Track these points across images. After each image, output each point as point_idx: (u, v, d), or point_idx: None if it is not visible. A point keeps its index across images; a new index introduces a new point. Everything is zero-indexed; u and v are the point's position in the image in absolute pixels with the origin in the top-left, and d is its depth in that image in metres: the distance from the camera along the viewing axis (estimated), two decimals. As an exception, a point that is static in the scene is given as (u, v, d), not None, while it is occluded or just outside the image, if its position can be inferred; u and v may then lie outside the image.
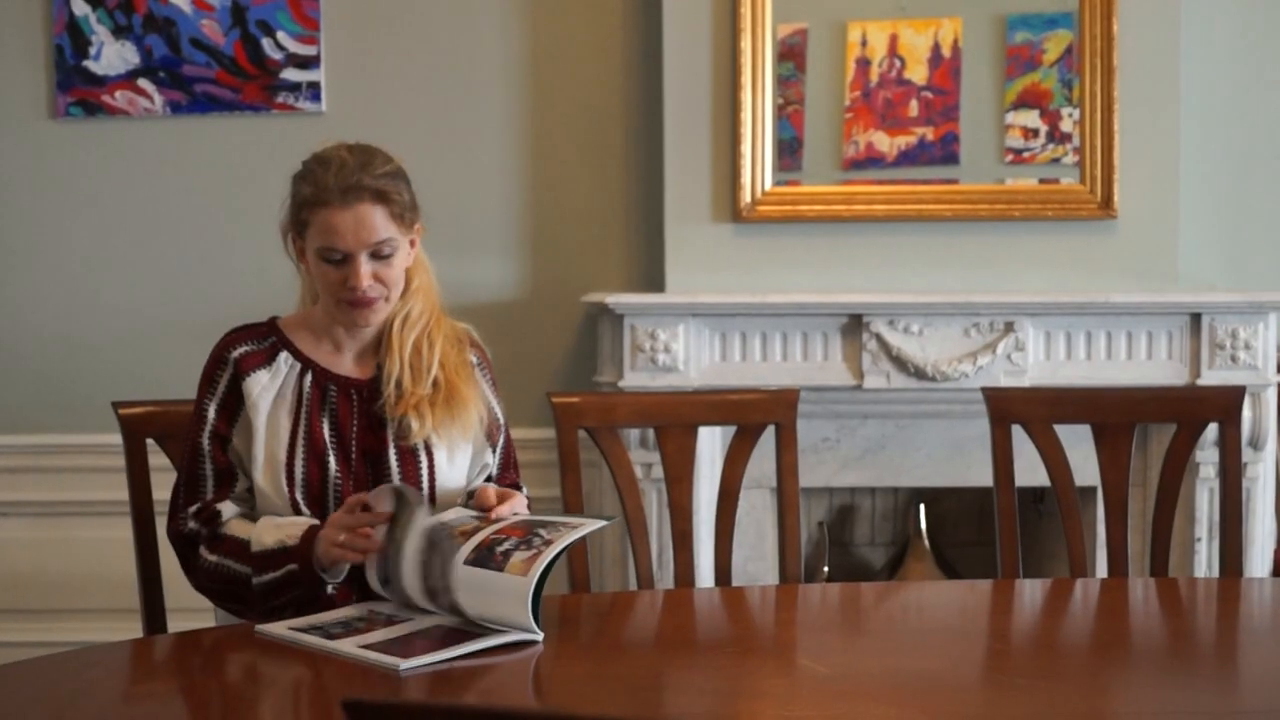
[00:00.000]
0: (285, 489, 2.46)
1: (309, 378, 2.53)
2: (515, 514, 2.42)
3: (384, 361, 2.54)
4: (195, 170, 4.30)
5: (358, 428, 2.52)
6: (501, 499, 2.44)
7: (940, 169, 4.14)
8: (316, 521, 2.43)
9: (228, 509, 2.48)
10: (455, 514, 2.45)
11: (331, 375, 2.54)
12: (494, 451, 2.64)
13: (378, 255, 2.47)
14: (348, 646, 2.17)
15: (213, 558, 2.45)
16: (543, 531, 2.29)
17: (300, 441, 2.49)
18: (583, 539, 2.35)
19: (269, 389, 2.51)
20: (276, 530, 2.41)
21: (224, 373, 2.52)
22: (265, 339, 2.55)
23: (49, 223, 4.31)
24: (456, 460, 2.57)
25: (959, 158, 4.14)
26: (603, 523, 2.39)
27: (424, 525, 2.31)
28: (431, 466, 2.53)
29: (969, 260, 4.10)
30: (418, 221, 2.54)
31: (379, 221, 2.45)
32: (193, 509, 2.49)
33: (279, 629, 2.28)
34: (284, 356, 2.54)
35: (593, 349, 4.26)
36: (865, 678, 2.16)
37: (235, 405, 2.51)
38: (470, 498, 2.52)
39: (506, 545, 2.27)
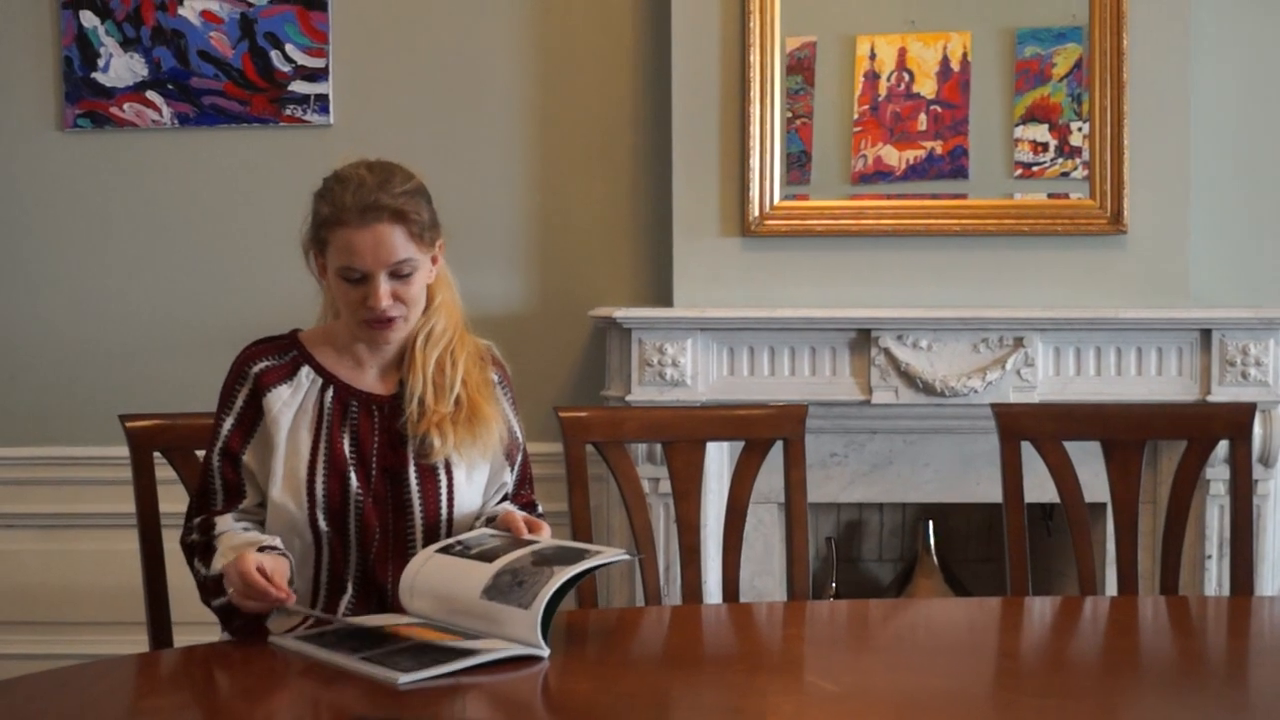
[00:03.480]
0: (306, 505, 2.46)
1: (330, 393, 2.52)
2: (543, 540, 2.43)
3: (406, 378, 2.53)
4: (203, 182, 4.30)
5: (378, 445, 2.51)
6: (530, 529, 2.45)
7: (949, 183, 4.13)
8: (269, 541, 2.41)
9: (223, 522, 2.47)
10: (475, 535, 2.45)
11: (353, 391, 2.53)
12: (511, 470, 2.64)
13: (397, 274, 2.46)
14: (349, 659, 2.16)
15: (201, 567, 2.45)
16: (564, 555, 2.29)
17: (321, 457, 2.48)
18: (600, 566, 2.34)
19: (290, 404, 2.50)
20: (230, 552, 2.39)
21: (243, 388, 2.51)
22: (287, 353, 2.55)
23: (57, 234, 4.31)
24: (475, 479, 2.56)
25: (968, 172, 4.13)
26: (626, 555, 2.38)
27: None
28: (450, 485, 2.52)
29: (978, 275, 4.09)
30: (439, 239, 2.53)
31: (398, 241, 2.44)
32: (197, 520, 2.50)
33: (288, 640, 2.27)
34: (305, 371, 2.53)
35: (600, 363, 4.25)
36: (873, 695, 2.15)
37: (253, 420, 2.50)
38: (489, 522, 2.52)
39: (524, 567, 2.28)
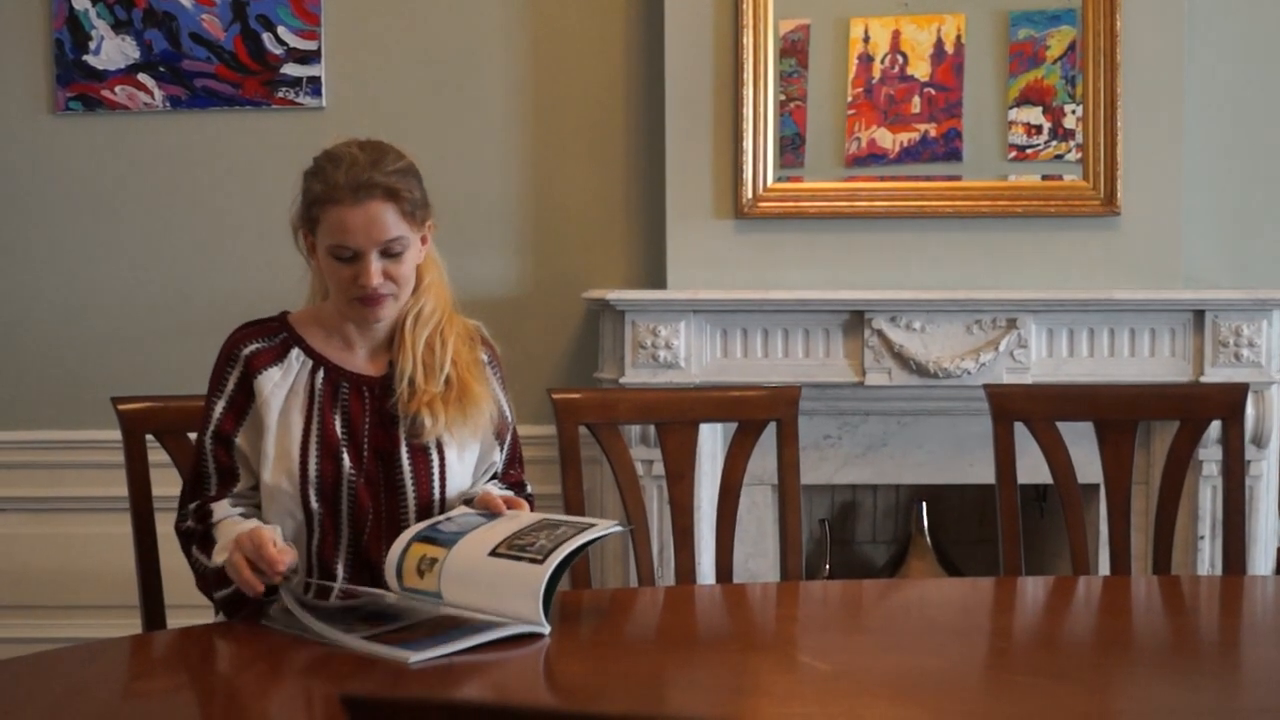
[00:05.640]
0: (299, 485, 2.45)
1: (321, 374, 2.52)
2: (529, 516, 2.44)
3: (396, 359, 2.53)
4: (195, 165, 4.29)
5: (369, 425, 2.51)
6: (510, 507, 2.45)
7: (943, 165, 4.13)
8: (268, 531, 2.41)
9: (220, 509, 2.47)
10: (459, 513, 2.46)
11: (344, 372, 2.53)
12: (501, 449, 2.64)
13: (388, 253, 2.46)
14: (355, 639, 2.16)
15: (202, 557, 2.44)
16: (560, 530, 2.30)
17: (313, 438, 2.48)
18: (597, 540, 2.35)
19: (281, 386, 2.50)
20: (230, 546, 2.39)
21: (233, 370, 2.51)
22: (276, 335, 2.54)
23: (48, 218, 4.30)
24: (466, 458, 2.57)
25: (962, 154, 4.12)
26: (618, 527, 2.39)
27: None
28: (443, 465, 2.52)
29: (971, 257, 4.09)
30: (429, 218, 2.54)
31: (390, 220, 2.44)
32: (192, 506, 2.49)
33: (291, 601, 2.27)
34: (295, 353, 2.53)
35: (594, 345, 4.25)
36: (866, 675, 2.15)
37: (244, 403, 2.50)
38: (469, 503, 2.51)
39: (526, 541, 2.28)
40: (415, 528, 2.41)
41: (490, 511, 2.43)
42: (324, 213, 2.45)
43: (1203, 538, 4.00)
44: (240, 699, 2.09)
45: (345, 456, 2.48)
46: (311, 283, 2.62)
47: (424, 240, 2.54)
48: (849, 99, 4.13)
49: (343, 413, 2.51)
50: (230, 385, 2.51)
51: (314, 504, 2.46)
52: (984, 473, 3.70)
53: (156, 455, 2.77)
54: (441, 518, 2.44)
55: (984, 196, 4.10)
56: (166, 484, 2.77)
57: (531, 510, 2.50)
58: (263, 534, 2.32)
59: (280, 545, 2.33)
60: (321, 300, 2.59)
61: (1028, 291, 3.98)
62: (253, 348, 2.52)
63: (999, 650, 2.36)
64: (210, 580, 2.42)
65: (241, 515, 2.47)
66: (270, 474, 2.47)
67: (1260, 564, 3.99)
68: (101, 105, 4.27)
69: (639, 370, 3.98)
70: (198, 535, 2.46)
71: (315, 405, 2.50)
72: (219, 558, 2.39)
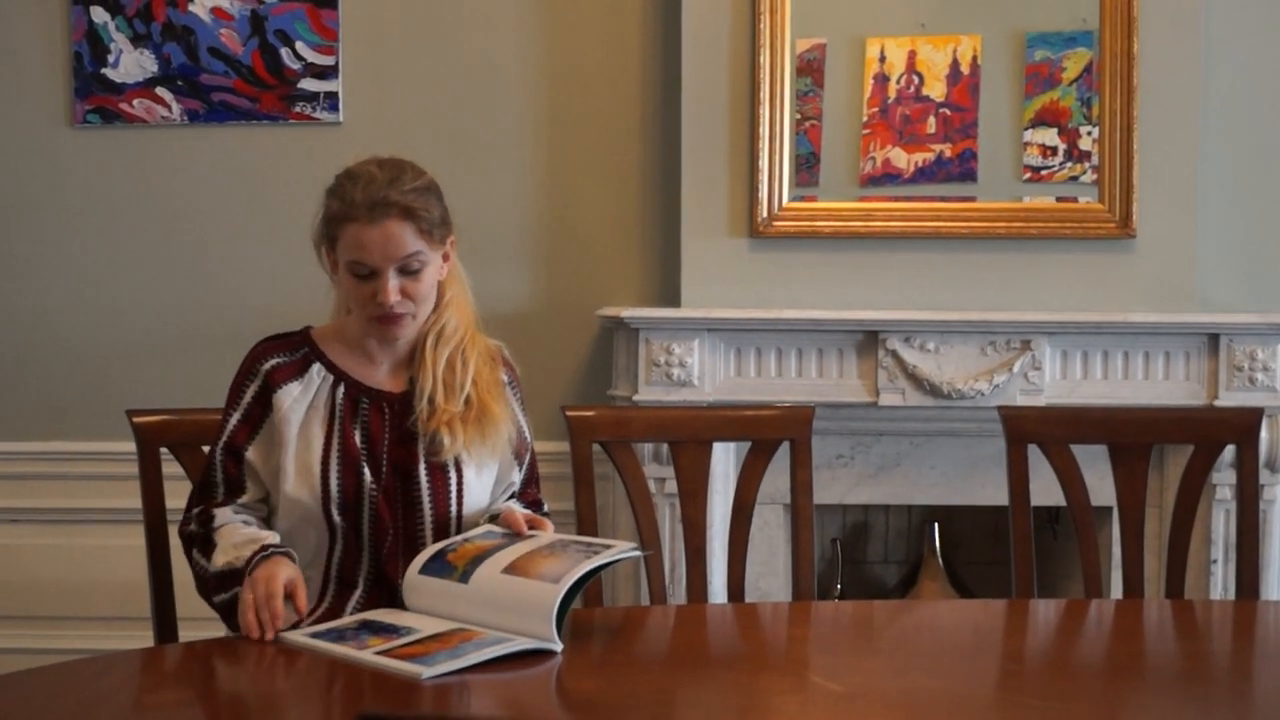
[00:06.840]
0: (320, 498, 2.47)
1: (341, 389, 2.53)
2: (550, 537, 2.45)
3: (417, 376, 2.55)
4: (212, 179, 4.31)
5: (389, 441, 2.53)
6: (532, 526, 2.46)
7: (958, 186, 4.13)
8: (272, 539, 2.43)
9: (222, 514, 2.49)
10: (482, 530, 2.46)
11: (364, 388, 2.55)
12: (520, 469, 2.65)
13: (406, 270, 2.47)
14: (368, 655, 2.16)
15: (202, 560, 2.47)
16: (579, 551, 2.31)
17: (334, 452, 2.49)
18: (613, 563, 2.35)
19: (301, 401, 2.52)
20: (231, 550, 2.42)
21: (252, 384, 2.53)
22: (298, 350, 2.56)
23: (65, 229, 4.32)
24: (484, 477, 2.58)
25: (977, 175, 4.13)
26: (636, 551, 2.39)
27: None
28: (460, 483, 2.53)
29: (986, 278, 4.09)
30: (450, 236, 2.55)
31: (406, 237, 2.45)
32: (195, 510, 2.52)
33: (300, 636, 2.27)
34: (316, 368, 2.54)
35: (608, 363, 4.25)
36: (878, 696, 2.15)
37: (260, 417, 2.52)
38: (493, 519, 2.52)
39: (543, 558, 2.30)
40: (436, 545, 2.42)
41: (512, 530, 2.44)
42: (342, 230, 2.46)
43: (1216, 562, 3.99)
44: (252, 714, 2.09)
45: (366, 470, 2.49)
46: (336, 298, 2.63)
47: (445, 257, 2.55)
48: (864, 119, 4.14)
49: (363, 428, 2.52)
50: (247, 399, 2.53)
51: (336, 518, 2.47)
52: (997, 494, 3.69)
53: (171, 468, 2.78)
54: (460, 538, 2.45)
55: (999, 218, 4.10)
56: (180, 496, 2.77)
57: (553, 529, 2.51)
58: (276, 583, 2.31)
59: (289, 600, 2.33)
60: (345, 315, 2.60)
61: (1042, 313, 3.98)
62: (273, 362, 2.53)
63: (1011, 673, 2.36)
64: (210, 584, 2.44)
65: (243, 523, 2.49)
66: (292, 487, 2.48)
67: (1274, 589, 3.98)
68: (119, 118, 4.29)
69: (653, 388, 3.99)
70: (199, 539, 2.49)
71: (336, 420, 2.51)
72: (218, 560, 2.42)
